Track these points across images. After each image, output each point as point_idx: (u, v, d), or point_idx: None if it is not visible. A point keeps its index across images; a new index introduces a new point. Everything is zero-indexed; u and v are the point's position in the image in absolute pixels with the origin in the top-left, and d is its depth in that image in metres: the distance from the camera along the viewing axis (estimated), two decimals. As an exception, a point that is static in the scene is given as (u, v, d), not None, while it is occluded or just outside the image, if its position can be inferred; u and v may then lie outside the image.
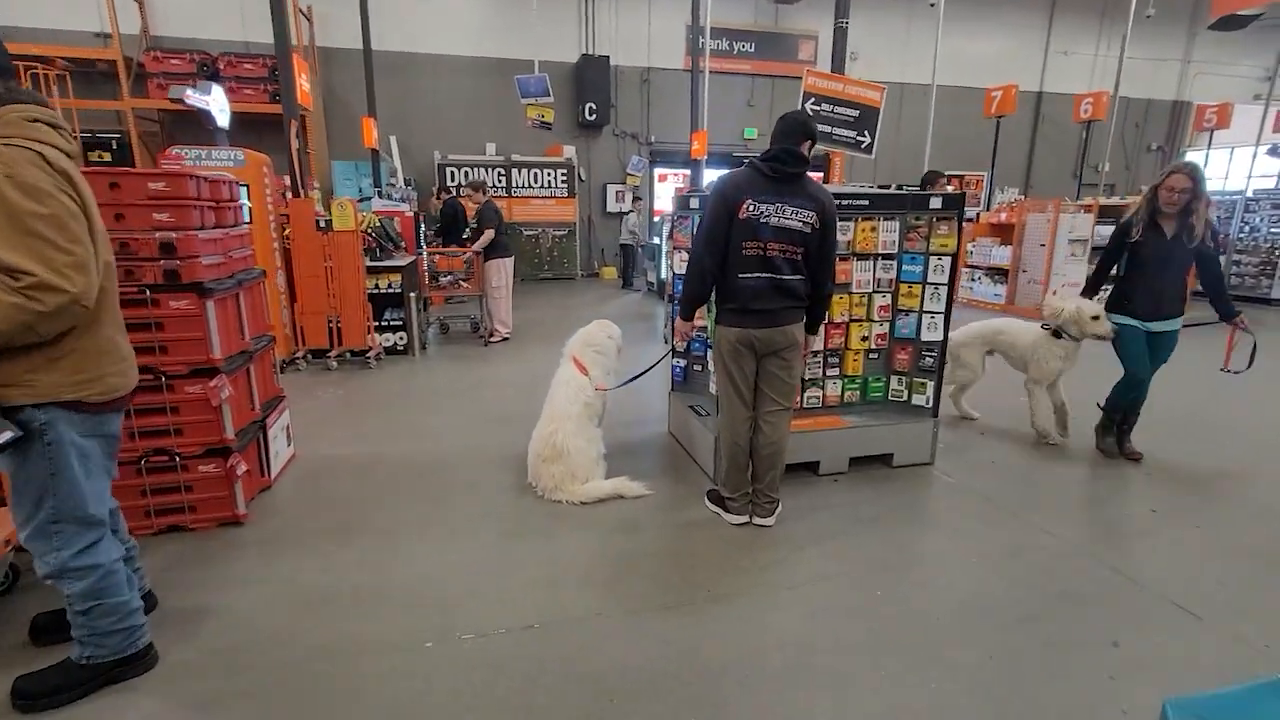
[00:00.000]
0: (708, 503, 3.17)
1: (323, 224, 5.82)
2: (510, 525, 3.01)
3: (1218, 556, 2.78)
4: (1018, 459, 3.85)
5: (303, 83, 7.86)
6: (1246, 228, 10.21)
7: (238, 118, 10.05)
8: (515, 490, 3.37)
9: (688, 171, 13.24)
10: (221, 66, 10.16)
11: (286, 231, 5.85)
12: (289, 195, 6.45)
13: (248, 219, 5.32)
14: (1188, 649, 2.19)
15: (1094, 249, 8.52)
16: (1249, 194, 10.74)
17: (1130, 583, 2.57)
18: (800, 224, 2.71)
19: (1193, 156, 15.99)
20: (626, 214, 11.70)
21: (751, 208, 2.65)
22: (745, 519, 2.99)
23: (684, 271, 2.73)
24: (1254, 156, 13.39)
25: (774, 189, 2.68)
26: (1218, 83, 15.83)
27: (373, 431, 4.27)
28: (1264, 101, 13.48)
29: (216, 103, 5.18)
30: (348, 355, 5.99)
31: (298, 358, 5.83)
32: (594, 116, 12.48)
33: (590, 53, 12.45)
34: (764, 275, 2.72)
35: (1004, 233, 9.29)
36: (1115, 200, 9.41)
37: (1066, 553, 2.81)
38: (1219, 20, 10.98)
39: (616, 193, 13.26)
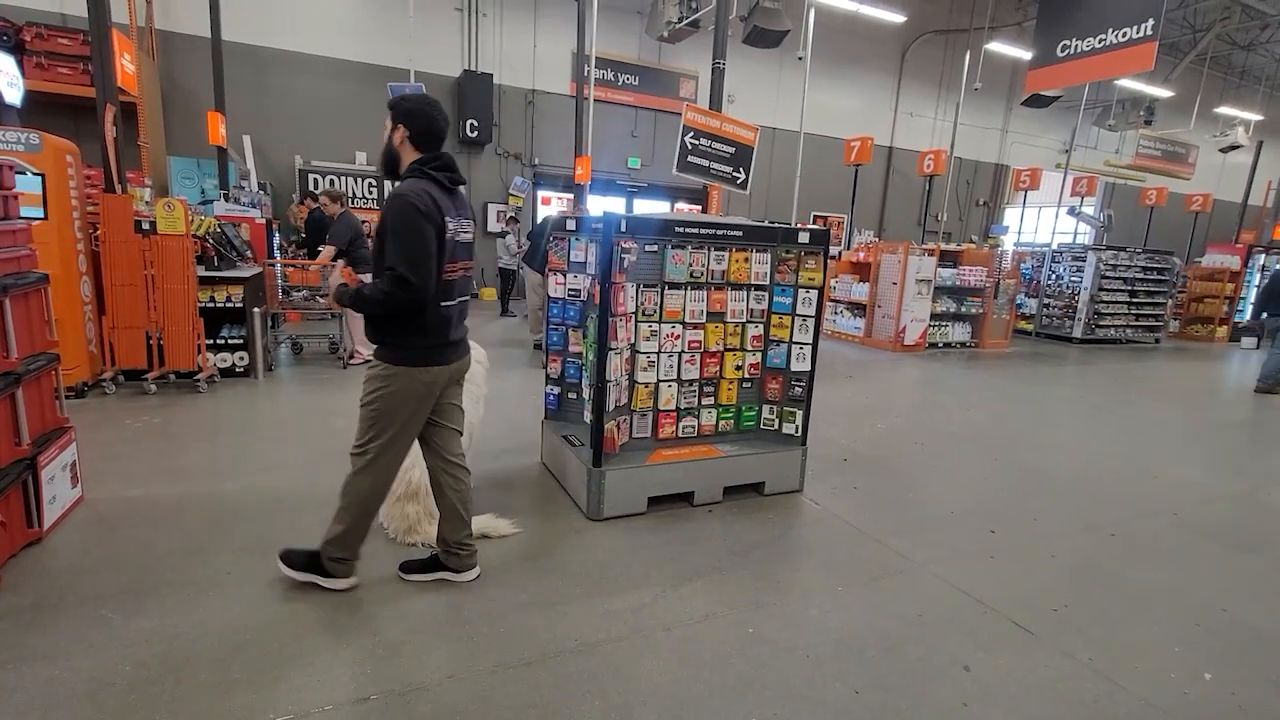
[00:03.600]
0: (295, 572, 2.51)
1: (145, 226, 5.05)
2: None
3: (1050, 572, 3.02)
4: (879, 484, 4.04)
5: (125, 63, 6.89)
6: (1053, 275, 11.85)
7: (51, 100, 8.71)
8: (363, 533, 2.99)
9: (565, 195, 13.24)
10: (28, 39, 8.70)
11: (98, 232, 5.00)
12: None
13: (42, 214, 4.50)
14: (1027, 666, 2.32)
15: (937, 289, 9.47)
16: (1054, 247, 12.52)
17: (976, 603, 2.72)
18: (470, 237, 2.48)
19: (1011, 213, 18.52)
20: (500, 236, 11.32)
21: (450, 225, 2.33)
22: (355, 581, 2.54)
23: (378, 298, 2.25)
24: (1056, 215, 15.71)
25: (452, 202, 2.38)
26: (1029, 151, 18.50)
27: (191, 467, 3.66)
28: (1063, 170, 15.89)
29: (3, 74, 4.33)
30: (171, 377, 5.18)
31: (104, 380, 4.95)
32: (476, 134, 12.10)
33: (473, 69, 12.13)
34: (460, 300, 2.46)
35: (862, 270, 10.08)
36: (953, 246, 10.55)
37: (921, 576, 2.93)
38: (1029, 98, 12.86)
39: (498, 212, 12.92)
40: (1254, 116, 17.62)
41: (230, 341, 5.57)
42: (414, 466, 2.94)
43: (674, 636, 2.36)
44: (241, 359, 5.61)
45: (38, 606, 2.31)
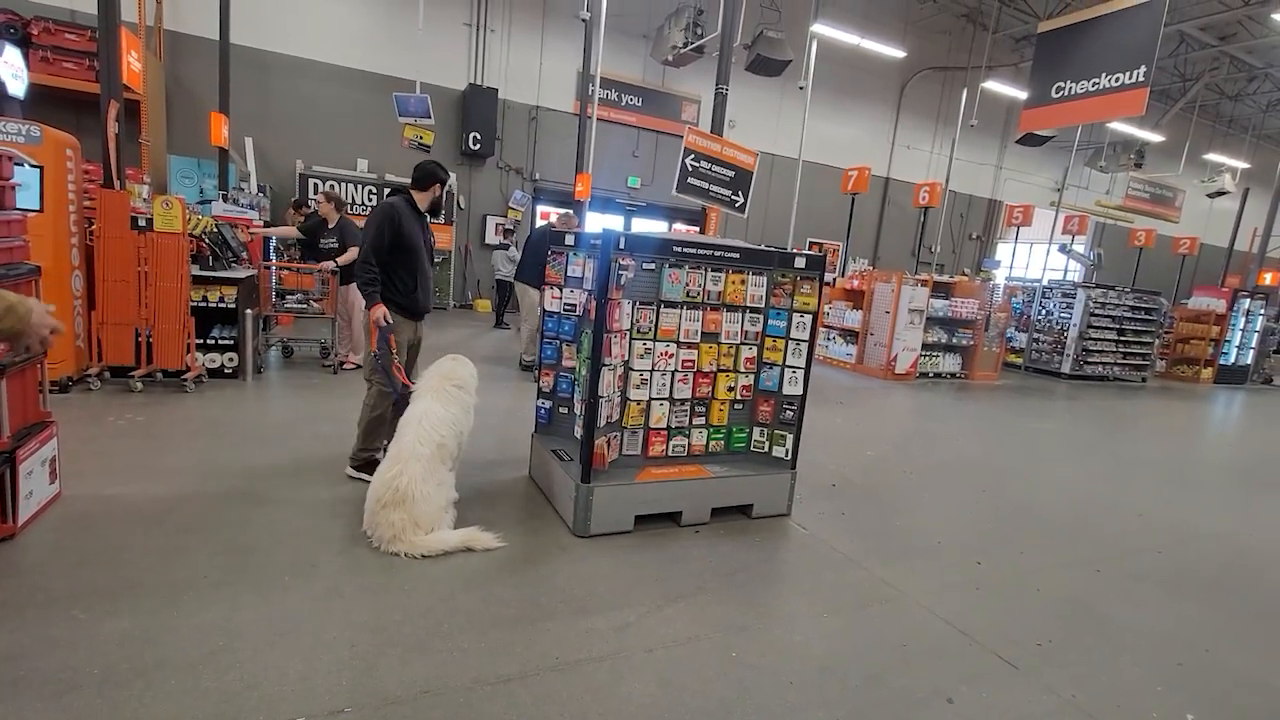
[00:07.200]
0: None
1: (141, 223, 5.03)
2: (332, 582, 2.60)
3: (1034, 606, 3.02)
4: (867, 511, 4.03)
5: (131, 61, 6.92)
6: (1043, 311, 11.98)
7: (55, 94, 8.72)
8: (345, 540, 2.95)
9: (560, 209, 13.27)
10: (35, 32, 8.74)
11: (94, 227, 4.98)
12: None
13: (37, 206, 4.47)
14: (1009, 701, 2.30)
15: (929, 319, 9.56)
16: (1045, 283, 12.68)
17: (961, 635, 2.70)
18: None
19: (1003, 248, 18.79)
20: (500, 248, 11.28)
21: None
22: None
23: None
24: (1048, 252, 15.94)
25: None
26: (1022, 188, 18.82)
27: (174, 467, 3.61)
28: (1055, 208, 16.18)
29: (8, 65, 4.33)
30: (159, 376, 5.13)
31: (90, 375, 4.89)
32: (478, 146, 12.20)
33: (479, 83, 12.25)
34: None
35: (855, 298, 10.16)
36: (945, 278, 10.68)
37: (906, 606, 2.91)
38: (1023, 136, 13.10)
39: (496, 225, 12.96)
40: (1241, 164, 18.05)
41: (220, 342, 5.52)
42: (401, 474, 2.92)
43: (656, 658, 2.33)
44: (231, 360, 5.56)
45: (5, 604, 2.25)
